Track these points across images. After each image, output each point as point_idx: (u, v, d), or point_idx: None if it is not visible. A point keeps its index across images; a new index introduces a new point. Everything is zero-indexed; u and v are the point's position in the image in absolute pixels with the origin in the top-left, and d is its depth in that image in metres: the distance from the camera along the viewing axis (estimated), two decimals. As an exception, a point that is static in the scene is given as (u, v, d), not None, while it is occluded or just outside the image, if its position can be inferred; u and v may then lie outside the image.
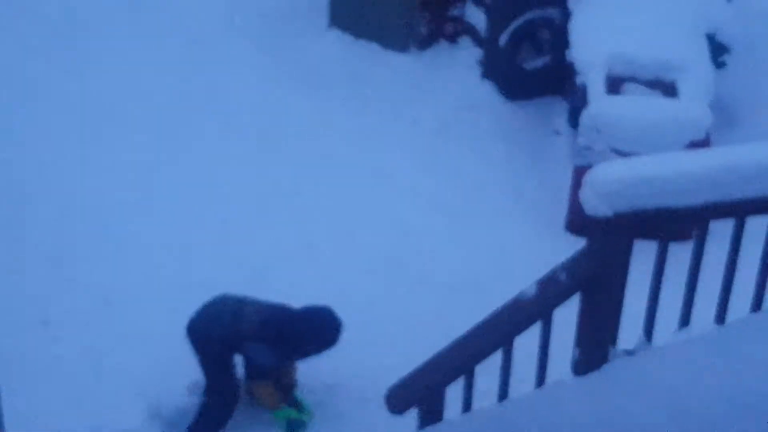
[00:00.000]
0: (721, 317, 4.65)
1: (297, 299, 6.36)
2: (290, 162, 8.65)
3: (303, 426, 6.44)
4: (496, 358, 4.77)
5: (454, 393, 4.82)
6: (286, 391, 6.42)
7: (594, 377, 2.37)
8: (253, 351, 6.12)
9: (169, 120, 8.89)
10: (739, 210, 4.48)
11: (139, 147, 8.55)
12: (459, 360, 4.75)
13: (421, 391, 4.80)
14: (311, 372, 6.59)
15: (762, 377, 2.45)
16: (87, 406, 6.33)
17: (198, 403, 6.29)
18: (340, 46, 10.13)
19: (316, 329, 6.19)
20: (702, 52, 8.67)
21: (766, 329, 2.68)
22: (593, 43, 8.63)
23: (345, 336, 6.89)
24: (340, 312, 6.80)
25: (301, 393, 6.55)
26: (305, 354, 6.26)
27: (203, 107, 9.12)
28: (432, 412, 4.72)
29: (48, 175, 8.21)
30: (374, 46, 10.16)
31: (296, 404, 6.46)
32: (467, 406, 4.81)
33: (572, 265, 4.63)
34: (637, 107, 8.01)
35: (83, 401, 6.37)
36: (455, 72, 9.87)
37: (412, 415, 4.84)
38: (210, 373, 6.20)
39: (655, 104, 8.08)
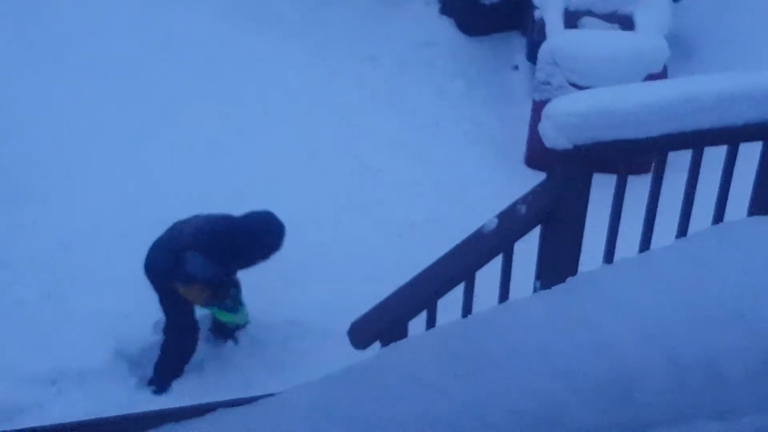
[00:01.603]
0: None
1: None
2: (247, 101, 8.60)
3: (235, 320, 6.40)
4: (458, 293, 4.81)
5: (416, 327, 4.86)
6: (222, 292, 6.27)
7: (556, 290, 2.41)
8: (189, 261, 5.94)
9: (124, 59, 8.79)
10: (697, 141, 4.53)
11: (94, 86, 8.46)
12: (421, 294, 4.77)
13: (383, 326, 4.83)
14: (273, 308, 6.61)
15: (721, 284, 2.49)
16: (50, 348, 6.31)
17: (160, 341, 6.30)
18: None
19: (257, 234, 6.05)
20: (658, -16, 8.68)
21: (727, 238, 2.72)
22: (551, -23, 8.61)
23: (308, 273, 6.93)
24: (303, 250, 6.85)
25: (239, 293, 6.43)
26: (250, 262, 6.09)
27: (157, 45, 9.03)
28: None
29: (3, 118, 8.11)
30: (331, -17, 10.08)
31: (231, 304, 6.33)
32: (430, 339, 4.86)
33: (532, 198, 4.66)
34: (595, 41, 8.03)
35: (46, 343, 6.35)
36: (413, 8, 9.83)
37: (375, 350, 4.88)
38: (166, 308, 6.18)
39: (613, 37, 8.10)
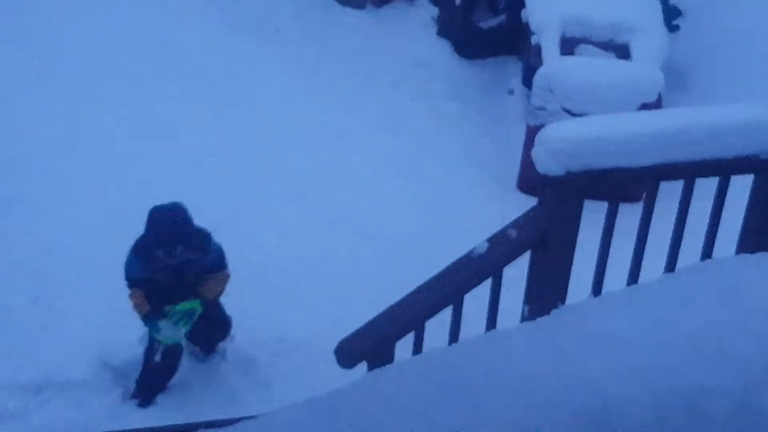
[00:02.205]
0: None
1: (250, 251, 6.35)
2: (242, 115, 8.61)
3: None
4: (446, 315, 4.81)
5: (404, 348, 4.86)
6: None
7: (542, 322, 2.41)
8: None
9: (120, 68, 8.81)
10: (689, 171, 4.54)
11: (88, 94, 8.47)
12: (409, 315, 4.77)
13: (370, 346, 4.83)
14: (261, 324, 6.59)
15: (708, 322, 2.50)
16: (35, 356, 6.29)
17: (143, 354, 6.26)
18: (296, 0, 10.08)
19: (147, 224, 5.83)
20: (655, 15, 8.72)
21: (714, 276, 2.72)
22: (548, 3, 8.65)
23: (297, 289, 6.92)
24: (293, 265, 6.86)
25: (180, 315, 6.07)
26: (150, 255, 5.81)
27: (155, 58, 9.06)
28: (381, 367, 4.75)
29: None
30: (330, 2, 10.12)
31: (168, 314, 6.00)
32: (417, 360, 4.86)
33: (523, 223, 4.67)
34: (591, 68, 8.05)
35: (32, 351, 6.33)
36: (411, 29, 9.86)
37: (362, 369, 4.87)
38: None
39: (608, 66, 8.13)
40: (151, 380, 6.22)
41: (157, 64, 8.98)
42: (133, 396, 6.23)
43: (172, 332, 6.01)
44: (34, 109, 8.30)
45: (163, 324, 5.97)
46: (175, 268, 5.89)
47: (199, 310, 6.03)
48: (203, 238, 5.97)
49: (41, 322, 6.55)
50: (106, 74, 8.75)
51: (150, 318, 5.97)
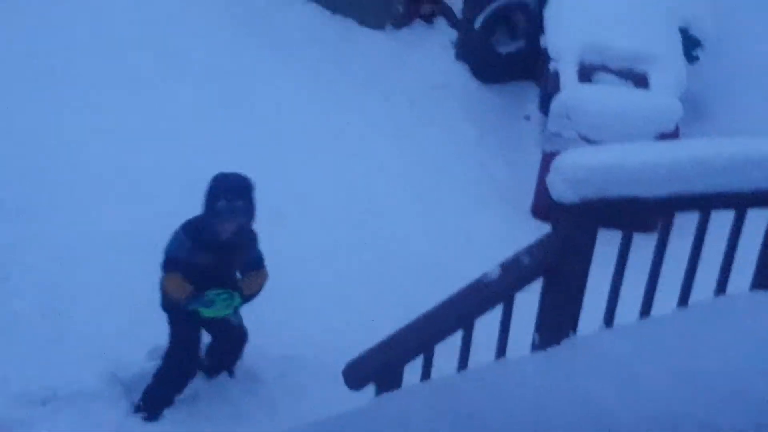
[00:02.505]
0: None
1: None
2: (259, 131, 8.62)
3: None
4: (456, 339, 4.79)
5: (413, 371, 4.84)
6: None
7: (553, 352, 2.39)
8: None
9: (140, 82, 8.85)
10: (704, 203, 4.52)
11: (100, 100, 8.51)
12: (419, 338, 4.76)
13: (379, 368, 4.81)
14: (269, 343, 6.56)
15: (718, 360, 2.48)
16: (44, 366, 6.27)
17: (155, 367, 6.22)
18: (315, 18, 10.14)
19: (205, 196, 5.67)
20: (675, 45, 8.71)
21: (728, 312, 2.70)
22: (567, 30, 8.65)
23: (307, 308, 6.90)
24: (303, 283, 6.85)
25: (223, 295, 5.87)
26: (208, 226, 5.65)
27: (174, 71, 9.10)
28: (389, 390, 4.74)
29: (10, 131, 8.13)
30: (350, 22, 10.15)
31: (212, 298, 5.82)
32: (425, 384, 4.84)
33: (536, 250, 4.65)
34: (608, 96, 8.05)
35: (40, 360, 6.31)
36: (430, 52, 9.88)
37: (369, 391, 4.86)
38: (170, 327, 6.07)
39: (626, 94, 8.12)
40: (163, 393, 6.17)
41: (173, 79, 9.00)
42: (139, 410, 6.19)
43: (224, 305, 5.82)
44: (46, 115, 8.33)
45: (212, 295, 5.76)
46: (223, 249, 5.75)
47: (239, 303, 5.89)
48: (252, 233, 5.91)
49: (50, 332, 6.53)
50: (119, 80, 8.78)
51: (193, 300, 5.76)
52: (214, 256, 5.76)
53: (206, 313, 5.84)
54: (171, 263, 5.73)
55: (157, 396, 6.17)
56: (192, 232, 5.73)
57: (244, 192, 5.71)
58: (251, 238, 5.92)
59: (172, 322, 6.03)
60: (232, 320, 6.06)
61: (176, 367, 6.11)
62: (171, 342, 6.09)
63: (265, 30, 9.87)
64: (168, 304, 5.95)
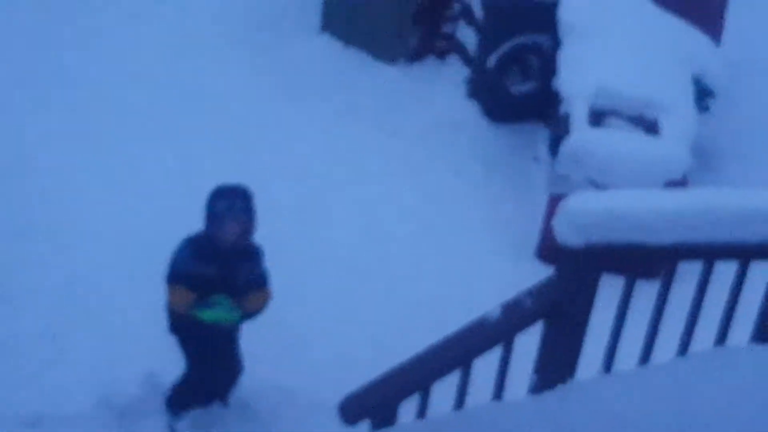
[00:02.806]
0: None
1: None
2: (268, 159, 8.65)
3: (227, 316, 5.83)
4: (454, 378, 4.77)
5: (409, 409, 4.82)
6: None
7: (551, 397, 2.37)
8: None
9: (151, 110, 8.89)
10: (709, 253, 4.51)
11: (110, 126, 8.56)
12: (416, 376, 4.74)
13: (375, 404, 4.80)
14: (267, 372, 6.55)
15: (716, 413, 2.46)
16: (38, 387, 6.26)
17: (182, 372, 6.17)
18: (329, 51, 10.18)
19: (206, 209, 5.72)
20: (687, 93, 8.73)
21: (727, 365, 2.69)
22: (580, 73, 8.66)
23: (305, 340, 6.88)
24: (304, 314, 6.84)
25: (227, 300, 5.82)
26: (211, 236, 5.69)
27: (187, 98, 9.15)
28: (384, 426, 4.72)
29: (11, 151, 8.17)
30: (363, 55, 10.18)
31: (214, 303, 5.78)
32: (421, 423, 4.82)
33: (539, 292, 4.64)
34: (618, 141, 8.04)
35: (35, 382, 6.30)
36: (441, 88, 9.90)
37: (364, 427, 4.83)
38: (183, 348, 6.06)
39: (636, 140, 8.12)
40: (193, 392, 6.12)
41: (187, 106, 9.05)
42: (168, 403, 6.15)
43: (226, 309, 5.77)
44: (54, 139, 8.38)
45: (216, 298, 5.73)
46: (227, 261, 5.75)
47: (238, 319, 5.87)
48: (257, 246, 5.93)
49: (47, 354, 6.52)
50: (132, 112, 8.83)
51: (198, 304, 5.73)
52: (219, 268, 5.77)
53: (207, 315, 5.76)
54: (175, 276, 5.76)
55: (185, 399, 6.14)
56: (195, 244, 5.78)
57: (242, 194, 5.78)
58: (256, 251, 5.92)
59: (183, 342, 6.01)
60: (234, 341, 6.03)
61: (200, 381, 6.08)
62: (189, 360, 6.05)
63: (278, 61, 9.91)
64: (175, 325, 5.95)
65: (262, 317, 6.57)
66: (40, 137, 8.37)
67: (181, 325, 5.91)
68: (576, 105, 8.42)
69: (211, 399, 6.22)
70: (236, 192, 5.78)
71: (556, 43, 9.34)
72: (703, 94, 9.03)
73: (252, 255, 5.89)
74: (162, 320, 5.98)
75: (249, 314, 5.92)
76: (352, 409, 4.79)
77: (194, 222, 6.63)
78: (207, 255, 5.75)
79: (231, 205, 5.69)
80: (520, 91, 9.98)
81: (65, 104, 8.80)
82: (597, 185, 7.80)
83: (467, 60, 10.01)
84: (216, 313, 5.76)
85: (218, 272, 5.76)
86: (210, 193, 5.78)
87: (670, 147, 8.03)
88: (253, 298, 5.89)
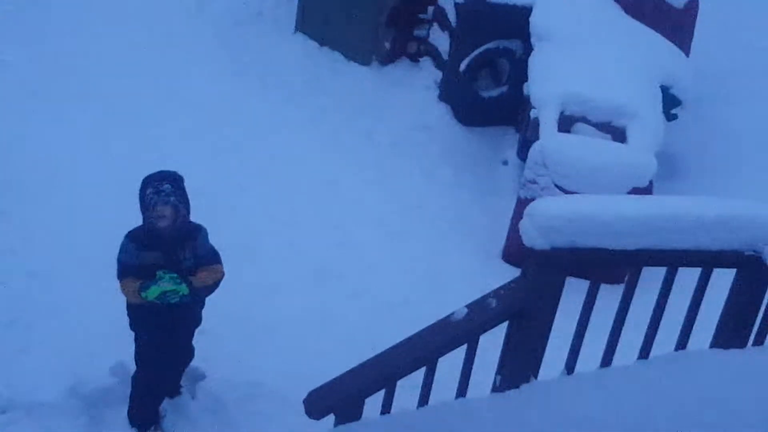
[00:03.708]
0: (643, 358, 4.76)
1: (232, 293, 6.34)
2: (238, 159, 8.68)
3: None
4: (419, 376, 4.83)
5: (373, 404, 4.88)
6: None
7: (513, 396, 2.42)
8: None
9: (124, 104, 8.90)
10: (672, 260, 4.59)
11: (90, 125, 8.57)
12: (382, 373, 4.80)
13: (340, 399, 4.84)
14: (236, 367, 6.59)
15: (677, 416, 2.52)
16: (5, 376, 6.26)
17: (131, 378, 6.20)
18: (303, 51, 10.23)
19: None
20: (655, 102, 8.82)
21: (688, 369, 2.76)
22: (551, 79, 8.74)
23: (275, 337, 6.92)
24: (273, 314, 6.88)
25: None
26: (145, 225, 5.77)
27: (160, 95, 9.17)
28: (348, 421, 4.76)
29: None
30: (337, 56, 10.23)
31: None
32: (385, 419, 4.87)
33: (504, 294, 4.71)
34: (586, 148, 8.12)
35: (3, 370, 6.30)
36: (413, 91, 9.95)
37: (329, 422, 4.89)
38: (135, 345, 6.09)
39: (604, 147, 8.20)
40: (140, 400, 6.16)
41: (162, 102, 9.08)
42: (132, 424, 6.19)
43: (171, 282, 5.77)
44: (28, 130, 8.38)
45: (160, 272, 5.75)
46: (168, 245, 5.78)
47: (186, 292, 5.82)
48: (196, 225, 5.95)
49: (16, 343, 6.52)
50: (109, 107, 8.84)
51: (144, 285, 5.75)
52: (161, 254, 5.80)
53: (152, 291, 5.76)
54: (123, 270, 5.82)
55: (140, 412, 6.17)
56: (136, 236, 5.84)
57: (169, 178, 5.81)
58: (197, 231, 5.94)
59: (138, 335, 6.05)
60: (187, 327, 6.03)
61: (144, 380, 6.12)
62: (136, 360, 6.11)
63: (252, 61, 9.96)
64: (132, 317, 5.99)
65: (230, 311, 6.63)
66: (12, 130, 8.36)
67: (137, 315, 5.96)
68: (546, 110, 8.50)
69: (162, 392, 6.22)
70: (163, 177, 5.82)
71: (528, 49, 9.42)
72: (671, 103, 9.14)
73: (193, 235, 5.92)
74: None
75: (200, 291, 5.92)
76: (317, 403, 4.83)
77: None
78: (149, 244, 5.80)
79: (158, 190, 5.74)
80: (490, 95, 10.06)
81: (41, 98, 8.79)
82: (564, 190, 7.88)
83: (439, 63, 10.08)
84: (160, 287, 5.78)
85: (162, 258, 5.81)
86: (141, 182, 5.84)
87: (637, 155, 8.12)
88: (201, 274, 5.91)
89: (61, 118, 8.61)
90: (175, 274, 5.79)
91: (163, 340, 6.00)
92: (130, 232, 5.86)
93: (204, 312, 6.15)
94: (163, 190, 5.74)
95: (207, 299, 6.07)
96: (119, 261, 5.82)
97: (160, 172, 5.85)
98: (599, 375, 3.13)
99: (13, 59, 9.27)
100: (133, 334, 6.06)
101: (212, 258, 5.97)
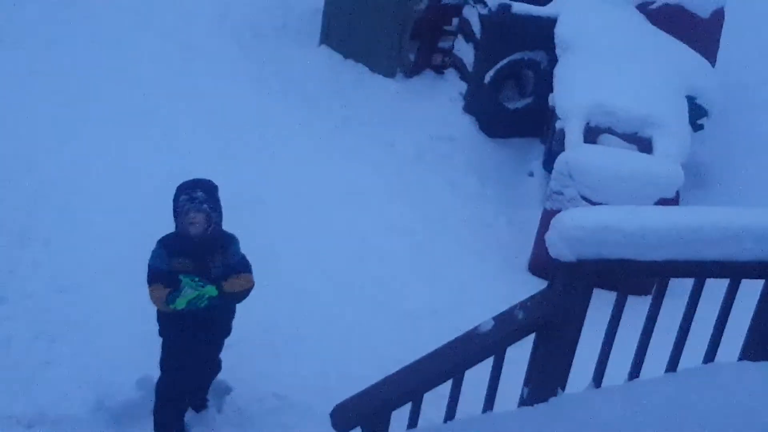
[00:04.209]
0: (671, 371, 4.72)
1: (257, 305, 6.35)
2: (261, 169, 8.69)
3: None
4: (446, 389, 4.81)
5: (400, 417, 4.86)
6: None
7: (541, 409, 2.40)
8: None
9: (152, 116, 8.95)
10: (699, 271, 4.55)
11: (117, 138, 8.60)
12: (409, 385, 4.77)
13: (367, 412, 4.82)
14: (260, 380, 6.58)
15: (704, 427, 2.50)
16: (32, 390, 6.27)
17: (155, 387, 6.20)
18: (328, 63, 10.26)
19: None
20: (681, 112, 8.79)
21: (716, 381, 2.73)
22: (576, 90, 8.73)
23: (300, 349, 6.92)
24: (297, 324, 6.88)
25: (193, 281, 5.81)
26: (177, 230, 5.79)
27: (183, 106, 9.20)
28: (375, 434, 4.76)
29: (10, 157, 8.21)
30: (362, 68, 10.25)
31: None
32: (412, 431, 4.86)
33: (531, 306, 4.68)
34: (612, 158, 8.10)
35: (29, 384, 6.32)
36: (438, 102, 9.96)
37: (355, 435, 4.87)
38: (161, 352, 6.09)
39: (630, 158, 8.17)
40: (161, 410, 6.16)
41: (187, 112, 9.12)
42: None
43: (194, 287, 5.76)
44: (54, 143, 8.43)
45: (184, 279, 5.75)
46: (198, 252, 5.78)
47: (214, 293, 5.79)
48: (229, 234, 5.96)
49: (42, 356, 6.54)
50: (133, 118, 8.88)
51: (170, 295, 5.75)
52: (192, 261, 5.81)
53: (180, 302, 5.76)
54: (152, 274, 5.84)
55: (162, 420, 6.17)
56: (167, 242, 5.86)
57: (203, 186, 5.84)
58: (228, 240, 5.94)
59: (163, 347, 6.06)
60: (215, 338, 6.04)
61: (168, 386, 6.12)
62: (161, 365, 6.10)
63: (278, 73, 10.00)
64: (162, 324, 6.00)
65: (255, 324, 6.62)
66: (38, 143, 8.41)
67: (166, 321, 5.97)
68: (571, 121, 8.48)
69: (185, 401, 6.22)
70: (196, 184, 5.85)
71: (553, 60, 9.41)
72: (697, 113, 9.10)
73: (225, 244, 5.93)
74: (155, 324, 6.04)
75: (229, 296, 5.90)
76: (343, 416, 4.81)
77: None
78: (180, 250, 5.81)
79: (191, 197, 5.77)
80: (515, 107, 10.06)
81: (66, 109, 8.85)
82: (590, 201, 7.86)
83: (464, 75, 10.08)
84: (185, 297, 5.78)
85: (192, 265, 5.81)
86: (175, 189, 5.87)
87: (664, 165, 8.09)
88: (231, 281, 5.90)
89: (82, 130, 8.65)
90: (197, 277, 5.80)
91: (191, 347, 6.00)
92: (162, 238, 5.88)
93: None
94: (197, 197, 5.77)
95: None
96: (150, 266, 5.84)
97: (194, 180, 5.88)
98: (627, 388, 3.11)
99: (31, 69, 9.32)
100: (161, 340, 6.06)
101: (243, 267, 5.98)
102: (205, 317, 5.87)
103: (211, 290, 5.81)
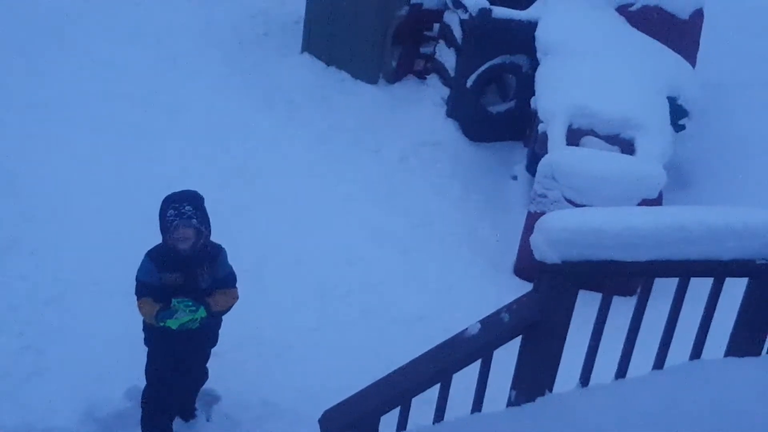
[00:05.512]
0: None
1: (244, 315, 6.36)
2: (245, 178, 8.69)
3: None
4: (434, 393, 4.83)
5: (389, 423, 4.87)
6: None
7: (528, 409, 2.42)
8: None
9: (136, 126, 8.95)
10: (684, 270, 4.59)
11: (103, 150, 8.60)
12: (397, 390, 4.79)
13: (355, 418, 4.84)
14: (249, 388, 6.59)
15: (692, 426, 2.52)
16: (21, 401, 6.26)
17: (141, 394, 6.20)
18: (310, 70, 10.28)
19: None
20: (662, 113, 8.83)
21: (702, 378, 2.76)
22: (558, 93, 8.76)
23: (288, 357, 6.92)
24: (285, 333, 6.88)
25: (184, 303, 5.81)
26: (164, 244, 5.77)
27: (166, 115, 9.21)
28: (365, 439, 4.77)
29: (6, 169, 8.21)
30: (344, 75, 10.28)
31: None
32: (401, 436, 4.87)
33: (516, 308, 4.71)
34: (595, 160, 8.12)
35: (17, 396, 6.31)
36: (421, 108, 9.99)
37: (345, 441, 4.88)
38: (147, 363, 6.09)
39: (612, 159, 8.20)
40: (148, 417, 6.16)
41: (171, 123, 9.13)
42: None
43: (187, 311, 5.78)
44: (39, 155, 8.42)
45: (175, 302, 5.75)
46: (187, 266, 5.77)
47: (204, 315, 5.83)
48: (216, 246, 5.93)
49: (29, 369, 6.53)
50: (118, 129, 8.88)
51: (161, 314, 5.76)
52: (181, 274, 5.80)
53: (172, 323, 5.78)
54: (140, 288, 5.83)
55: (149, 429, 6.17)
56: (156, 255, 5.82)
57: (191, 199, 5.78)
58: (216, 252, 5.93)
59: (149, 357, 6.05)
60: (202, 347, 6.05)
61: (153, 395, 6.12)
62: (146, 374, 6.10)
63: (259, 80, 10.01)
64: (148, 335, 6.00)
65: (243, 333, 6.63)
66: (26, 154, 8.40)
67: (153, 335, 5.96)
68: (554, 124, 8.51)
69: (171, 410, 6.21)
70: (183, 197, 5.79)
71: (534, 64, 9.44)
72: (678, 114, 9.14)
73: (213, 257, 5.92)
74: (141, 334, 6.05)
75: (215, 313, 5.92)
76: (332, 422, 4.83)
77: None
78: (168, 264, 5.79)
79: (179, 211, 5.71)
80: (498, 111, 10.09)
81: (51, 121, 8.85)
82: (574, 203, 7.88)
83: (446, 80, 10.11)
84: (178, 320, 5.79)
85: (181, 279, 5.80)
86: (161, 205, 5.82)
87: (646, 166, 8.11)
88: (217, 298, 5.90)
89: (67, 141, 8.64)
90: (189, 302, 5.78)
91: (176, 356, 6.00)
92: (150, 251, 5.85)
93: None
94: (185, 212, 5.70)
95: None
96: (138, 280, 5.82)
97: (181, 193, 5.82)
98: (614, 387, 3.13)
99: (17, 82, 9.33)
100: (146, 349, 6.06)
101: (229, 281, 5.98)
102: (192, 328, 5.88)
103: (202, 312, 5.82)
